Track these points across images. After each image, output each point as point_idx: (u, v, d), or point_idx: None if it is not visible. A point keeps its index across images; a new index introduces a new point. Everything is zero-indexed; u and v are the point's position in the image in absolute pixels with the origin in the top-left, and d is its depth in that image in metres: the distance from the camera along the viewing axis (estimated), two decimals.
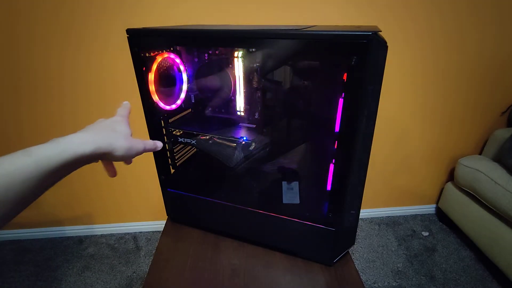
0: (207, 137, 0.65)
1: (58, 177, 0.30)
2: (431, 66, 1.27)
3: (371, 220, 1.62)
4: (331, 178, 0.51)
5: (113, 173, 0.42)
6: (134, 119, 0.38)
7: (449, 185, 1.48)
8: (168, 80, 0.60)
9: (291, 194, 0.61)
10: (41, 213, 1.45)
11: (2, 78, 1.15)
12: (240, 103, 0.66)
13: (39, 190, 0.29)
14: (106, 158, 0.36)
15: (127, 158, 0.39)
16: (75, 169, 0.32)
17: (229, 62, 0.62)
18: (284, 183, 0.62)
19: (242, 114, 0.67)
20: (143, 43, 0.52)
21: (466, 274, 1.28)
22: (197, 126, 0.67)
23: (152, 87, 0.54)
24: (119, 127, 0.39)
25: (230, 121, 0.69)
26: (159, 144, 0.44)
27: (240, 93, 0.64)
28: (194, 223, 0.69)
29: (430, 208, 1.67)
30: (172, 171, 0.67)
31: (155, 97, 0.56)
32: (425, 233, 1.52)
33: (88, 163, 0.34)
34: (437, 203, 1.63)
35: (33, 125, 1.24)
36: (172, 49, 0.59)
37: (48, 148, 0.29)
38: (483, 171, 1.24)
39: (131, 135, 0.40)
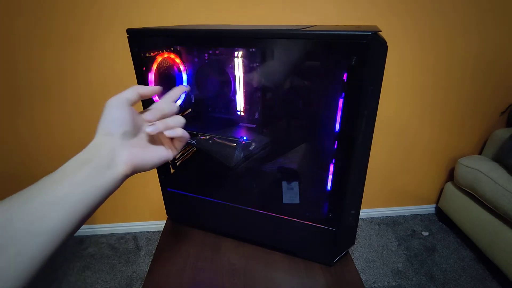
0: (207, 137, 0.65)
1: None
2: (431, 66, 1.27)
3: (371, 220, 1.62)
4: (331, 178, 0.51)
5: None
6: None
7: (449, 185, 1.48)
8: (168, 80, 0.60)
9: (291, 194, 0.61)
10: None
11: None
12: (240, 103, 0.66)
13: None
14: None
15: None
16: None
17: (229, 62, 0.62)
18: (284, 183, 0.62)
19: (242, 114, 0.67)
20: (143, 43, 0.52)
21: (466, 274, 1.28)
22: (197, 126, 0.67)
23: None
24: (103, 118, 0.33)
25: (230, 121, 0.69)
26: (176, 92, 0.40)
27: (240, 93, 0.64)
28: (194, 223, 0.69)
29: (430, 208, 1.67)
30: (172, 171, 0.67)
31: (155, 97, 0.56)
32: (425, 233, 1.52)
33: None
34: (437, 203, 1.63)
35: (32, 129, 1.23)
36: (172, 49, 0.59)
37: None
38: (483, 171, 1.24)
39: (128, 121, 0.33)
